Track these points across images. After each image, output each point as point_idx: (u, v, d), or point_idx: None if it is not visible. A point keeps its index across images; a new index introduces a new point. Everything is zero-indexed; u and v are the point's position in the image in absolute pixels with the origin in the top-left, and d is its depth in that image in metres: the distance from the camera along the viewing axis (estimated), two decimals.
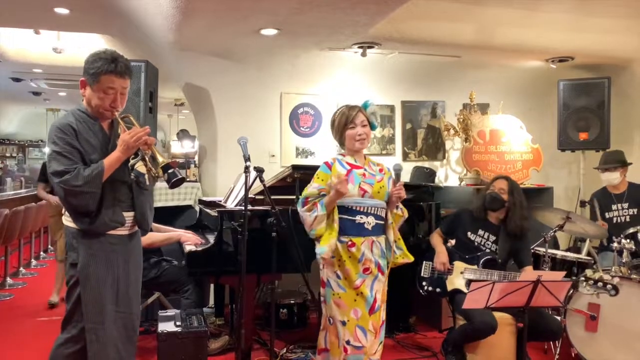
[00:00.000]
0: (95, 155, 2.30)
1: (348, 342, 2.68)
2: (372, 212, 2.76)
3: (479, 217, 3.60)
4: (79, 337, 2.31)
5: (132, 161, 2.35)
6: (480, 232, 3.58)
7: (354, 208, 2.74)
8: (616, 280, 3.12)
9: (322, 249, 2.69)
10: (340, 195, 2.67)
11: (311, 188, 2.81)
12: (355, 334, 2.69)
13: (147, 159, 2.34)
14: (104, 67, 2.26)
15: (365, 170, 2.81)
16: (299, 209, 2.81)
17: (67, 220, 2.36)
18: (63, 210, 2.38)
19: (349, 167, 2.81)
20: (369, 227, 2.74)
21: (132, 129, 2.32)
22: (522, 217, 3.47)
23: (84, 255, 2.29)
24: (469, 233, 3.61)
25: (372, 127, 2.88)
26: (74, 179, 2.20)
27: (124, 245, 2.39)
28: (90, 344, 2.28)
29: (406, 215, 2.91)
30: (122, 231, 2.38)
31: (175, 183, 2.31)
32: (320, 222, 2.72)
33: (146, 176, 2.40)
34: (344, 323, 2.70)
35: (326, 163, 2.85)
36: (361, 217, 2.74)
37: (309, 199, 2.79)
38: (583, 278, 3.23)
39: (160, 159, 2.32)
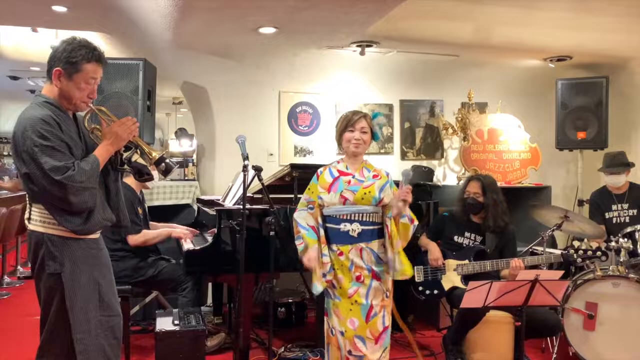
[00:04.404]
0: (78, 151, 2.17)
1: (350, 352, 2.69)
2: (356, 218, 2.72)
3: (462, 220, 3.65)
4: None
5: (126, 154, 2.29)
6: (467, 234, 3.63)
7: (337, 216, 2.73)
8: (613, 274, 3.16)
9: (316, 287, 2.73)
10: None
11: (302, 198, 2.86)
12: (354, 344, 2.69)
13: (138, 151, 2.27)
14: (88, 55, 2.16)
15: (353, 177, 2.78)
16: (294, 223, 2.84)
17: (41, 226, 2.17)
18: (28, 214, 2.20)
19: (336, 175, 2.79)
20: (354, 234, 2.71)
21: (120, 120, 2.25)
22: (496, 214, 3.52)
23: (69, 264, 2.15)
24: (455, 237, 3.65)
25: (375, 137, 2.88)
26: (79, 174, 2.06)
27: (98, 249, 2.28)
28: (80, 354, 2.16)
29: (416, 222, 2.76)
30: (95, 235, 2.27)
31: (170, 172, 2.28)
32: (299, 245, 2.79)
33: (149, 167, 2.33)
34: (342, 333, 2.71)
35: (317, 173, 2.87)
36: (345, 225, 2.72)
37: (296, 215, 2.83)
38: (573, 250, 3.30)
39: (152, 152, 2.27)
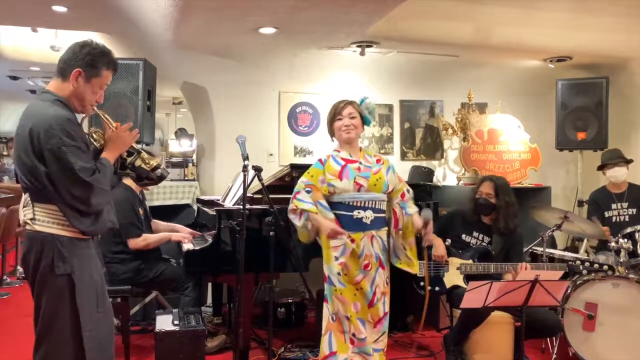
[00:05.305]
0: (90, 153, 2.20)
1: (354, 335, 2.76)
2: (370, 205, 2.76)
3: (472, 220, 3.63)
4: None
5: (130, 159, 2.32)
6: (475, 233, 3.62)
7: (351, 203, 2.75)
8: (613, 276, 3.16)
9: (331, 268, 2.77)
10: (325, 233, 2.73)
11: (299, 182, 2.85)
12: (358, 327, 2.76)
13: (140, 157, 2.33)
14: (109, 63, 2.21)
15: (360, 163, 2.82)
16: (289, 206, 2.85)
17: (50, 227, 2.13)
18: (31, 215, 2.13)
19: (343, 163, 2.82)
20: (367, 222, 2.75)
21: (123, 126, 2.29)
22: (507, 216, 3.48)
23: (77, 264, 2.15)
24: (463, 235, 3.63)
25: (366, 122, 2.91)
26: (103, 176, 2.12)
27: (92, 248, 2.27)
28: (90, 351, 2.16)
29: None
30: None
31: (163, 179, 2.38)
32: (300, 232, 2.84)
33: (151, 174, 2.37)
34: (348, 318, 2.77)
35: (320, 160, 2.88)
36: (359, 212, 2.75)
37: (297, 196, 2.82)
38: (579, 262, 3.31)
39: (150, 160, 2.33)
